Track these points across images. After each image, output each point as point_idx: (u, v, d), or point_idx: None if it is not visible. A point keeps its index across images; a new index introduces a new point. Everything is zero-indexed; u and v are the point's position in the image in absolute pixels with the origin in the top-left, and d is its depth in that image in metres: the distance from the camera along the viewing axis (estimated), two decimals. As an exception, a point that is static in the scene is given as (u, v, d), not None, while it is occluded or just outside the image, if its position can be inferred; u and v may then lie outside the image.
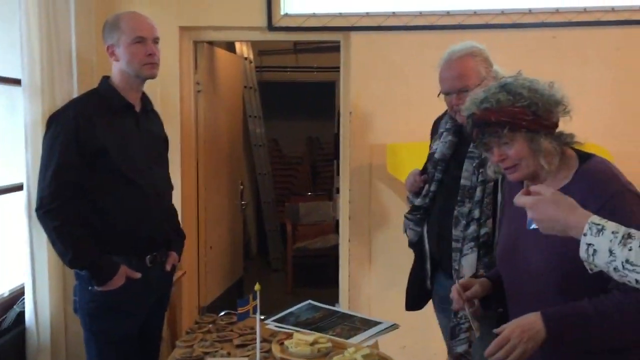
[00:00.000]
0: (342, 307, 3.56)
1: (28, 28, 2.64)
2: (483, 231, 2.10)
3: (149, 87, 2.69)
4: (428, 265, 2.39)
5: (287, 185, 7.68)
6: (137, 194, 2.21)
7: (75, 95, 2.85)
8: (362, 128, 3.50)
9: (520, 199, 1.38)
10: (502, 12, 3.31)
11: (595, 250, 1.20)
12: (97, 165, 2.14)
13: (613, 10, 3.22)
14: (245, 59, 6.01)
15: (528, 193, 1.39)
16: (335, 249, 4.06)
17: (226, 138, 4.57)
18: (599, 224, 1.21)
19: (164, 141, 2.50)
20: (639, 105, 3.28)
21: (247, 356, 1.95)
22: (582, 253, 1.23)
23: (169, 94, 3.50)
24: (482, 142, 1.62)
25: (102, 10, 3.28)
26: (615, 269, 1.18)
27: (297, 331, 2.10)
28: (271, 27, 3.48)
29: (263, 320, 2.29)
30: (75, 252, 2.10)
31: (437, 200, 2.30)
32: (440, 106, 2.50)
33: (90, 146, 2.13)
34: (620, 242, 1.17)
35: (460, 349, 2.13)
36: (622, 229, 1.18)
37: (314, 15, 3.45)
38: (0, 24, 2.85)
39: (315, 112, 7.45)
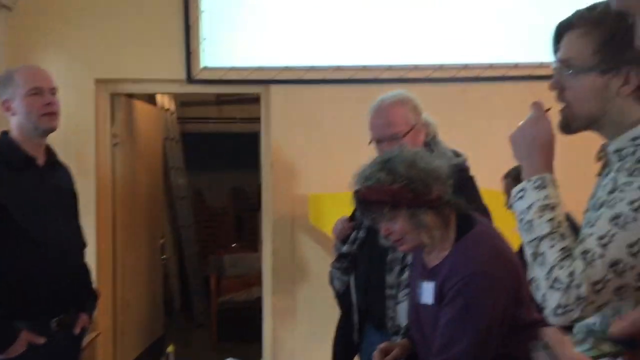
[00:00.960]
0: (266, 363, 3.48)
1: None
2: None
3: (63, 141, 2.62)
4: (355, 318, 2.35)
5: (211, 237, 7.54)
6: (39, 253, 2.10)
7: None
8: (284, 179, 3.52)
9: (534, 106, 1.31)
10: (416, 67, 3.45)
11: (522, 197, 1.23)
12: (-4, 224, 2.03)
13: (517, 66, 3.43)
14: (167, 110, 5.95)
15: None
16: (260, 301, 3.98)
17: (145, 191, 4.47)
18: (545, 183, 1.22)
19: (73, 195, 2.40)
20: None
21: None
22: (515, 190, 1.26)
23: (84, 148, 3.41)
24: (368, 217, 1.68)
25: (15, 63, 3.18)
26: (520, 220, 1.22)
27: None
28: (190, 80, 3.47)
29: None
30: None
31: (366, 247, 2.25)
32: (359, 156, 2.54)
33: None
34: (541, 206, 1.19)
35: None
36: (553, 201, 1.20)
37: (233, 69, 3.48)
38: None
39: (240, 163, 7.41)
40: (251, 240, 7.23)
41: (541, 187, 1.22)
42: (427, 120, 2.28)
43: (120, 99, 3.83)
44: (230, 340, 5.51)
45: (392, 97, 2.21)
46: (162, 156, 5.29)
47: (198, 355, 4.90)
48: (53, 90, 2.22)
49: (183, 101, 6.55)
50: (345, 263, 2.31)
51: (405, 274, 2.09)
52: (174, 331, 5.74)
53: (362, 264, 2.26)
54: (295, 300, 3.50)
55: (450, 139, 2.34)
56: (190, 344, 5.58)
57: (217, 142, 7.10)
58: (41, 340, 2.07)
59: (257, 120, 3.74)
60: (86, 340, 3.19)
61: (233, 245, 7.01)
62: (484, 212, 2.08)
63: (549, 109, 1.27)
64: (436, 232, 1.64)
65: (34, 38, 3.38)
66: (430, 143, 2.22)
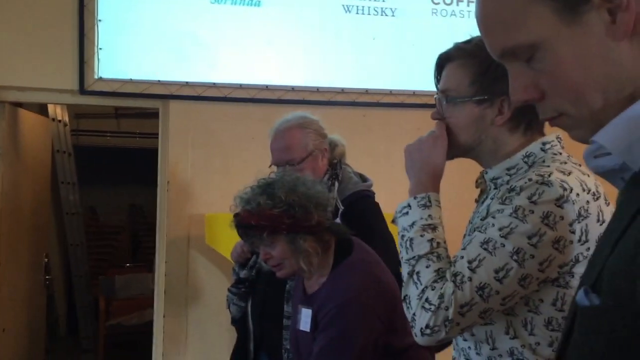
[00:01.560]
0: (155, 390, 3.31)
1: None
2: None
3: None
4: (251, 346, 2.26)
5: (104, 257, 7.17)
6: None
7: None
8: (180, 198, 3.40)
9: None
10: (318, 90, 3.47)
11: (407, 213, 1.25)
12: None
13: (414, 94, 3.54)
14: (59, 121, 5.63)
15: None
16: (151, 325, 3.80)
17: (30, 206, 4.17)
18: (430, 203, 1.25)
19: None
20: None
21: None
22: (400, 205, 1.29)
23: (-42, 158, 3.13)
24: (248, 241, 1.66)
25: None
26: (402, 237, 1.25)
27: None
28: (83, 91, 3.30)
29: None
30: None
31: (264, 274, 2.15)
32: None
33: None
34: (423, 226, 1.22)
35: None
36: (436, 221, 1.23)
37: (131, 81, 3.34)
38: None
39: (139, 179, 7.14)
40: (148, 261, 6.96)
41: (426, 205, 1.24)
42: (335, 142, 2.24)
43: (5, 108, 3.56)
44: (119, 366, 5.24)
45: (291, 121, 2.15)
46: (51, 170, 4.98)
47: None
48: None
49: (78, 113, 6.23)
50: (243, 288, 2.24)
51: None
52: (57, 358, 5.38)
53: (260, 291, 2.20)
54: (188, 324, 3.36)
55: (350, 162, 2.34)
56: (75, 371, 5.25)
57: (115, 156, 6.80)
58: None
59: (157, 135, 3.61)
60: (-50, 370, 2.90)
61: (127, 265, 6.70)
62: (387, 238, 2.08)
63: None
64: (314, 258, 1.64)
65: None
66: (337, 166, 2.20)
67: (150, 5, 3.36)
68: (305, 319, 1.65)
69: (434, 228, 1.22)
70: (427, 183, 1.28)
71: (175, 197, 3.39)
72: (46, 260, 4.40)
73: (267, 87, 3.44)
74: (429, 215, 1.23)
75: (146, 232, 7.54)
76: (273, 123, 3.35)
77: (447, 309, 1.12)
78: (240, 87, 3.42)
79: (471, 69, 1.25)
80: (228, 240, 2.51)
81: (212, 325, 3.19)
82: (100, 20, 3.29)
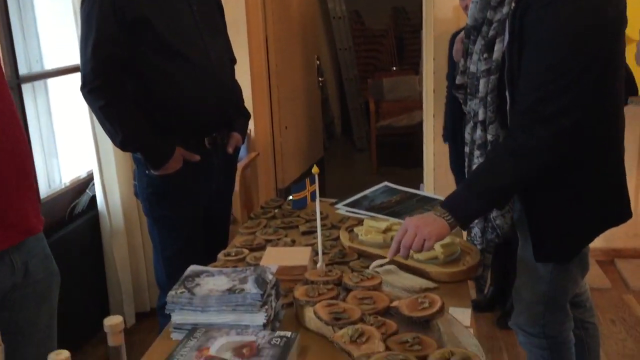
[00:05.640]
0: (427, 188, 3.33)
1: None
2: (489, 137, 1.58)
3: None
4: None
5: (370, 61, 7.26)
6: (188, 69, 1.96)
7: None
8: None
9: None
10: None
11: None
12: (140, 37, 1.89)
13: None
14: None
15: None
16: (422, 126, 3.75)
17: (298, 10, 4.22)
18: None
19: (218, 7, 2.21)
20: None
21: (312, 244, 1.76)
22: None
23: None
24: None
25: None
26: None
27: (369, 217, 1.88)
28: None
29: (334, 204, 2.10)
30: (124, 132, 1.93)
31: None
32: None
33: (129, 15, 1.87)
34: None
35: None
36: None
37: None
38: None
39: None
40: (414, 64, 6.86)
41: None
42: None
43: None
44: (391, 165, 5.46)
45: None
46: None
47: (358, 179, 4.91)
48: None
49: None
50: (462, 94, 1.91)
51: (477, 133, 1.61)
52: (334, 155, 5.80)
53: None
54: (459, 124, 3.20)
55: None
56: (352, 168, 5.63)
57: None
58: (196, 158, 2.03)
59: None
60: (246, 160, 3.23)
61: (393, 68, 6.70)
62: None
63: None
64: None
65: None
66: None
67: None
68: None
69: None
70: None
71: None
72: (318, 62, 4.54)
73: None
74: None
75: (410, 34, 7.36)
76: None
77: None
78: None
79: None
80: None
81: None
82: None
